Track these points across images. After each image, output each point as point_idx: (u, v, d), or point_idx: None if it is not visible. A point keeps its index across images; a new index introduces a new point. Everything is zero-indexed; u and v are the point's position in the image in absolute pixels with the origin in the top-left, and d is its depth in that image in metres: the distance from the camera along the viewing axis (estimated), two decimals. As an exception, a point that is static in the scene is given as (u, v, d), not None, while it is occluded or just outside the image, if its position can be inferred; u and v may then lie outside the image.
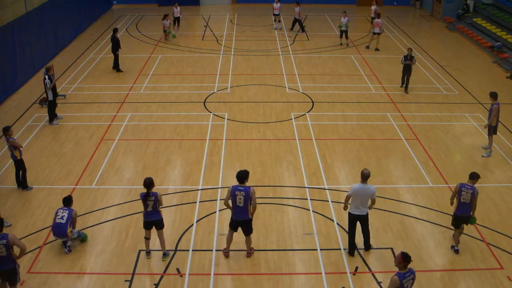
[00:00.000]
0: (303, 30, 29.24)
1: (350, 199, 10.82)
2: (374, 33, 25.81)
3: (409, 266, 8.29)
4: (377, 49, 25.74)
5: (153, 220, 10.76)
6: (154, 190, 10.69)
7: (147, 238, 10.98)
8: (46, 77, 16.81)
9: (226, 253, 11.07)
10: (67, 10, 26.54)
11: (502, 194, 13.60)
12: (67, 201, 11.30)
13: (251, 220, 10.74)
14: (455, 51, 26.50)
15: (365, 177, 10.68)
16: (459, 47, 27.18)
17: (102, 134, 16.57)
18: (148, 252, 11.06)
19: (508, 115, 17.94)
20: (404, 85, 20.31)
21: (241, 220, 10.65)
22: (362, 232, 11.08)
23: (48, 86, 16.72)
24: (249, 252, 11.12)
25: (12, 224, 12.07)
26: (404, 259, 8.23)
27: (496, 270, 10.82)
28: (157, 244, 11.25)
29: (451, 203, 11.42)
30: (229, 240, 11.01)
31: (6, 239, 9.12)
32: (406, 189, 13.77)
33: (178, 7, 28.58)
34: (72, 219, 11.12)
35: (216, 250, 11.23)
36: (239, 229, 10.86)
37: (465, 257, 11.18)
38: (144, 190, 10.56)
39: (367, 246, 11.19)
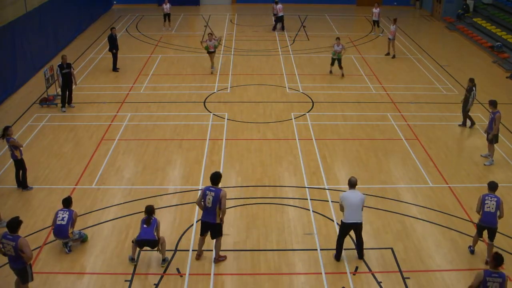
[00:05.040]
0: (282, 28, 29.47)
1: (344, 209, 10.64)
2: (390, 39, 24.87)
3: (503, 271, 8.47)
4: (392, 55, 24.86)
5: (145, 239, 10.50)
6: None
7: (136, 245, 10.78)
8: (58, 69, 18.10)
9: (198, 256, 10.91)
10: (67, 10, 26.53)
11: (502, 194, 13.57)
12: (67, 202, 11.28)
13: (219, 224, 10.55)
14: (455, 51, 26.50)
15: (353, 184, 10.62)
16: (459, 47, 27.19)
17: (102, 134, 16.58)
18: (132, 259, 10.80)
19: (508, 115, 17.92)
20: (463, 123, 17.46)
21: (208, 222, 10.50)
22: (357, 241, 10.94)
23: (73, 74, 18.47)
24: (217, 258, 10.87)
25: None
26: (494, 258, 8.48)
27: (496, 270, 10.81)
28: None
29: (479, 214, 11.06)
30: (201, 244, 10.87)
31: (16, 242, 9.20)
32: (406, 189, 13.77)
33: (168, 4, 28.74)
34: (72, 220, 11.11)
35: (216, 250, 11.23)
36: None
37: (465, 257, 11.18)
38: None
39: (361, 255, 11.03)
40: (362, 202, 10.57)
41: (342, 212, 10.77)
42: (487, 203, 10.76)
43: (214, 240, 10.82)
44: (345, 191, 10.79)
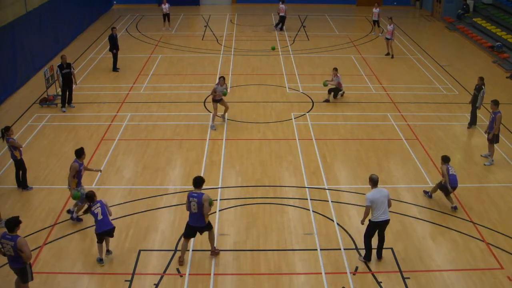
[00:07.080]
0: (281, 28, 29.51)
1: (371, 210, 10.54)
2: (387, 39, 24.73)
3: None
4: (391, 55, 24.72)
5: (106, 229, 10.59)
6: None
7: (100, 243, 10.77)
8: (58, 70, 18.08)
9: (181, 262, 10.80)
10: (67, 10, 26.54)
11: (502, 194, 13.60)
12: (79, 153, 11.88)
13: (208, 224, 10.64)
14: (455, 51, 26.50)
15: (375, 182, 10.53)
16: (459, 47, 27.18)
17: (102, 134, 16.58)
18: (101, 259, 10.81)
19: (508, 115, 17.90)
20: (470, 122, 17.44)
21: (197, 226, 10.57)
22: (380, 240, 10.83)
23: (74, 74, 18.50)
24: (214, 251, 10.95)
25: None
26: None
27: (496, 270, 10.82)
28: (158, 244, 11.28)
29: (446, 179, 12.74)
30: (185, 248, 10.79)
31: (15, 242, 9.17)
32: (406, 189, 13.77)
33: (167, 4, 28.78)
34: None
35: (216, 250, 11.23)
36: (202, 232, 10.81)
37: (465, 257, 11.18)
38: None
39: (381, 255, 10.99)
40: (387, 197, 10.53)
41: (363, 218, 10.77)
42: (451, 169, 12.77)
43: (207, 233, 10.81)
44: (369, 192, 10.54)
